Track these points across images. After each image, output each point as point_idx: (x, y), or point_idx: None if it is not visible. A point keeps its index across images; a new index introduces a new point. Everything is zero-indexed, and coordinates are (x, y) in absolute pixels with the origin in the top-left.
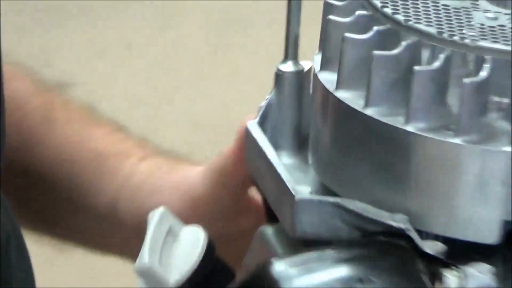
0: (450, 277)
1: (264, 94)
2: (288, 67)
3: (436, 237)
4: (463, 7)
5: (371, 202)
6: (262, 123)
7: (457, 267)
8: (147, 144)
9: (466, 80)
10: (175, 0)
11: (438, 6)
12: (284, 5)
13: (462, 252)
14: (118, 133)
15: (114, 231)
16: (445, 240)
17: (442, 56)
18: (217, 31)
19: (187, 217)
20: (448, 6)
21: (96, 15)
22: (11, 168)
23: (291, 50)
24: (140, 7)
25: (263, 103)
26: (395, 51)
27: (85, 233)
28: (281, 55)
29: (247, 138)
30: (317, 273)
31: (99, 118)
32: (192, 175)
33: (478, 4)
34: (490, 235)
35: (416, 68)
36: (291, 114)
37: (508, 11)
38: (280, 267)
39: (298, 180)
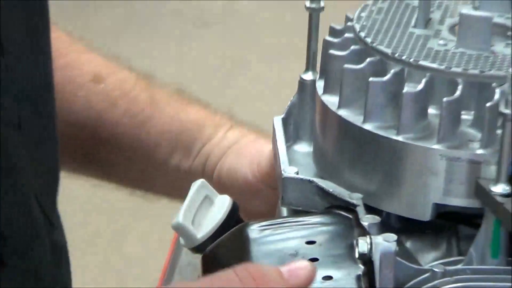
0: (361, 242)
1: None
2: (308, 76)
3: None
4: (425, 35)
5: (343, 184)
6: (286, 119)
7: (370, 235)
8: (232, 117)
9: (405, 91)
10: None
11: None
12: None
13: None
14: (208, 108)
15: None
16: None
17: (392, 71)
18: None
19: (251, 184)
20: (414, 34)
21: None
22: (117, 143)
23: (310, 63)
24: None
25: (289, 104)
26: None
27: (173, 190)
28: None
29: (273, 130)
30: (278, 232)
31: (189, 97)
32: (266, 152)
33: (440, 33)
34: (424, 214)
35: (371, 79)
36: (310, 112)
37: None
38: (253, 226)
39: (304, 164)
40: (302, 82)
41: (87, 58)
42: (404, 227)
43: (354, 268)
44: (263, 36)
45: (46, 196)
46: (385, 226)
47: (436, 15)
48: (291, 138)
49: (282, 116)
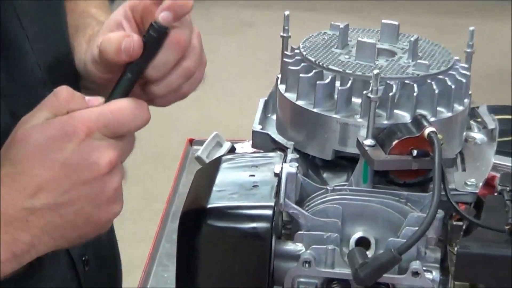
0: (277, 166)
1: None
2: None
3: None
4: (340, 53)
5: (286, 137)
6: (268, 100)
7: (283, 163)
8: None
9: (318, 83)
10: None
11: (329, 53)
12: None
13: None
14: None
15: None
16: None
17: (313, 71)
18: None
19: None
20: (334, 52)
21: None
22: None
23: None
24: None
25: (270, 91)
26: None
27: None
28: None
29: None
30: (239, 159)
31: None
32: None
33: (350, 52)
34: (328, 155)
35: (301, 75)
36: None
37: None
38: (225, 157)
39: (273, 125)
40: (277, 79)
41: None
42: (323, 164)
43: (271, 179)
44: None
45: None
46: (312, 164)
47: (353, 41)
48: (270, 111)
49: (265, 98)
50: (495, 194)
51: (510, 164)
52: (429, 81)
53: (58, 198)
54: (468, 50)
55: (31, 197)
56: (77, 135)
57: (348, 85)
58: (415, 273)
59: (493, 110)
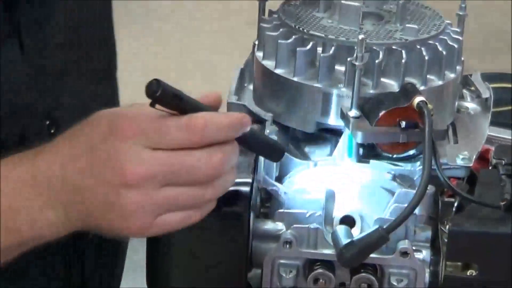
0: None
1: None
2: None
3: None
4: (322, 17)
5: (264, 108)
6: (244, 69)
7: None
8: None
9: (298, 49)
10: None
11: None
12: None
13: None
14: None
15: None
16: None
17: (293, 37)
18: None
19: None
20: (315, 16)
21: None
22: None
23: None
24: None
25: (245, 60)
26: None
27: None
28: None
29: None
30: None
31: None
32: None
33: (332, 16)
34: (310, 128)
35: (279, 41)
36: None
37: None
38: None
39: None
40: (254, 46)
41: None
42: (305, 137)
43: (249, 153)
44: None
45: None
46: (293, 137)
47: (336, 5)
48: (247, 80)
49: (241, 67)
50: (490, 168)
51: (505, 136)
52: (418, 46)
53: (81, 180)
54: (461, 13)
55: (63, 167)
56: (123, 133)
57: (331, 51)
58: (404, 253)
59: (490, 77)
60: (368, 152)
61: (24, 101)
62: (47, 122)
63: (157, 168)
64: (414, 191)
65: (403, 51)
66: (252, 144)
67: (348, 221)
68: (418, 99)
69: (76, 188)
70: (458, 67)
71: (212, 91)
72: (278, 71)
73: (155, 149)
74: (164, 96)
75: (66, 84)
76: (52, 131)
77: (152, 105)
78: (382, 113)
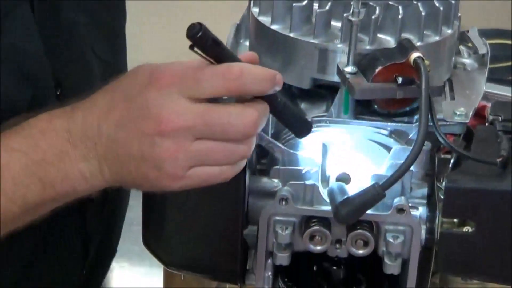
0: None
1: None
2: None
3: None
4: None
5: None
6: (240, 25)
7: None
8: None
9: (294, 5)
10: None
11: None
12: None
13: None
14: None
15: None
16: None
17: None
18: None
19: None
20: None
21: None
22: None
23: None
24: None
25: (242, 15)
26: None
27: None
28: None
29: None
30: None
31: None
32: None
33: None
34: (306, 84)
35: (294, 4)
36: None
37: None
38: None
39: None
40: (250, 2)
41: None
42: (301, 94)
43: None
44: None
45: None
46: (289, 93)
47: None
48: (243, 37)
49: (237, 23)
50: (486, 124)
51: (502, 93)
52: (415, 2)
53: (115, 131)
54: None
55: (99, 119)
56: (160, 82)
57: (327, 7)
58: (400, 210)
59: (487, 33)
60: (364, 108)
61: (36, 65)
62: (57, 89)
63: (193, 120)
64: (411, 148)
65: (400, 7)
66: (284, 115)
67: (344, 178)
68: (414, 55)
69: (110, 140)
70: (456, 23)
71: (248, 52)
72: (274, 27)
73: (192, 101)
74: (204, 38)
75: (75, 49)
76: (58, 92)
77: (191, 47)
78: (378, 69)
